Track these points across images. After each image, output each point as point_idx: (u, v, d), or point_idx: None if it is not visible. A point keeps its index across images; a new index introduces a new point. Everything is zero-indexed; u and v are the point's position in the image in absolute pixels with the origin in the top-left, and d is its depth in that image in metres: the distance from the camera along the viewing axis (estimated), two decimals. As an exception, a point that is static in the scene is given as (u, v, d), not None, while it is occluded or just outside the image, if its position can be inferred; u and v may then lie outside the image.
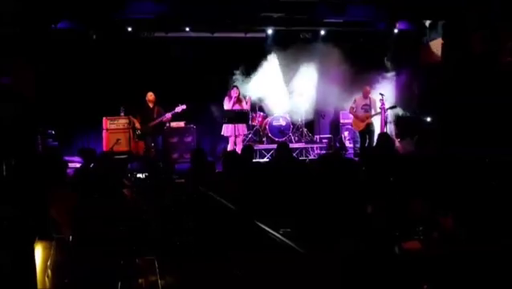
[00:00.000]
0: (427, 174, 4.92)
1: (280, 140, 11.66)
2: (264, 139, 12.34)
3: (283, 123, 12.25)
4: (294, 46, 12.66)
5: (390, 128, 11.71)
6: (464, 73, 10.99)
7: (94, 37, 11.99)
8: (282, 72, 12.59)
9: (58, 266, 3.99)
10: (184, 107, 10.67)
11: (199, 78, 12.29)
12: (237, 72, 12.24)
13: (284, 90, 12.61)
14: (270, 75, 12.47)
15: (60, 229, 4.42)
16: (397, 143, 10.51)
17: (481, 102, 10.02)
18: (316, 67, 12.51)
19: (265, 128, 12.26)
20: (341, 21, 12.31)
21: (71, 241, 4.38)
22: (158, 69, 12.15)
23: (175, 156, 11.66)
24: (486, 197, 3.89)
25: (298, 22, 12.39)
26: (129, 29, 11.95)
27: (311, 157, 11.79)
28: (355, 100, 11.40)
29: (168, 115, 10.68)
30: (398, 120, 12.05)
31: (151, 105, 10.76)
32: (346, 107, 12.11)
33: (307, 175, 5.69)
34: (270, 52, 12.53)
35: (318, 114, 12.99)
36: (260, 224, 3.58)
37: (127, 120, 11.47)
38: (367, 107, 11.21)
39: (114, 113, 11.62)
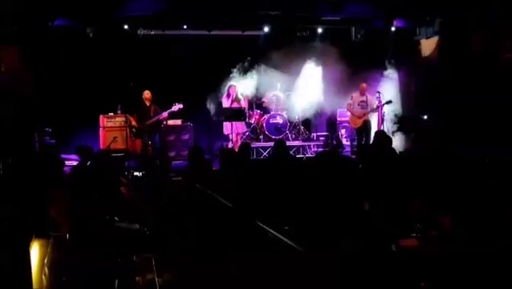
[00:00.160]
0: (426, 173, 4.93)
1: (277, 137, 11.64)
2: (261, 137, 12.34)
3: (280, 120, 12.25)
4: (291, 44, 12.65)
5: (387, 126, 11.71)
6: (463, 72, 11.02)
7: (91, 35, 11.95)
8: (279, 70, 12.57)
9: (55, 264, 3.98)
10: (180, 106, 10.65)
11: (196, 76, 12.27)
12: (235, 70, 12.22)
13: (281, 87, 12.59)
14: (268, 72, 12.46)
15: (57, 226, 4.42)
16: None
17: (480, 102, 10.05)
18: (313, 64, 12.50)
19: (262, 125, 12.25)
20: (338, 18, 12.30)
21: (68, 238, 4.38)
22: (155, 67, 12.11)
23: (172, 154, 11.63)
24: (486, 196, 3.90)
25: (295, 19, 12.37)
26: (126, 27, 11.91)
27: (308, 155, 11.79)
28: (352, 97, 11.40)
29: (165, 113, 10.66)
30: (396, 118, 12.10)
31: (148, 103, 10.74)
32: (343, 104, 12.10)
33: (305, 173, 5.69)
34: (267, 50, 12.51)
35: (315, 112, 12.97)
36: (257, 222, 3.58)
37: (123, 118, 11.45)
38: (364, 104, 11.20)
39: (111, 111, 11.60)
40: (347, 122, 12.05)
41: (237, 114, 11.17)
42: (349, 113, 11.55)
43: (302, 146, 12.37)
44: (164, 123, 11.24)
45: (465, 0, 11.03)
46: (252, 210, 4.05)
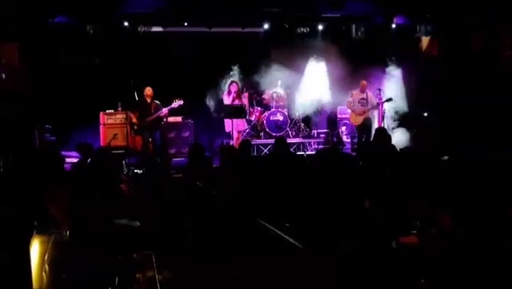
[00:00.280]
0: (426, 171, 4.93)
1: (277, 134, 11.65)
2: (261, 134, 12.33)
3: (281, 118, 12.24)
4: (291, 41, 12.64)
5: (387, 123, 11.70)
6: (463, 72, 11.02)
7: (91, 32, 11.93)
8: (280, 67, 12.56)
9: (55, 262, 3.98)
10: (181, 102, 10.63)
11: (196, 73, 12.26)
12: (235, 67, 12.21)
13: (281, 85, 12.58)
14: (268, 69, 12.45)
15: (57, 224, 4.42)
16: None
17: (480, 101, 10.05)
18: (314, 62, 12.49)
19: (262, 122, 12.24)
20: (339, 16, 12.28)
21: (68, 236, 4.38)
22: (155, 64, 12.09)
23: (172, 151, 11.62)
24: (486, 196, 3.89)
25: (295, 17, 12.35)
26: (126, 24, 11.89)
27: (309, 152, 11.78)
28: (352, 94, 11.38)
29: (165, 110, 10.64)
30: (397, 115, 12.10)
31: (148, 100, 10.72)
32: (343, 101, 12.09)
33: (305, 170, 5.69)
34: (267, 47, 12.49)
35: (316, 109, 12.96)
36: (258, 219, 3.58)
37: (124, 115, 11.44)
38: (364, 102, 11.19)
39: (111, 108, 11.59)
40: (348, 119, 12.03)
41: (237, 111, 11.16)
42: (349, 110, 11.55)
43: (303, 143, 12.37)
44: (165, 120, 11.22)
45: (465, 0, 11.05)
46: (252, 207, 4.06)
